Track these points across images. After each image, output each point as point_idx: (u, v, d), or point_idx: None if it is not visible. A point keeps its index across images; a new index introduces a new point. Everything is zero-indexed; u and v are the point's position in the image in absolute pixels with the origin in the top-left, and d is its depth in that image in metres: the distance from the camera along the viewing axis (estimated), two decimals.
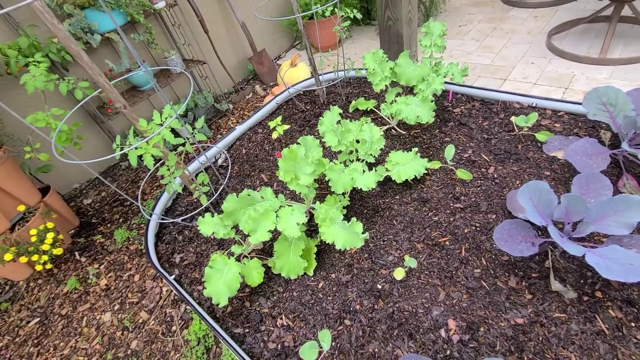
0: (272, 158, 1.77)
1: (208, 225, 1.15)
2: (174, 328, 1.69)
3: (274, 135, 1.75)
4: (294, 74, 3.12)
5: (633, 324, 0.87)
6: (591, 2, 3.47)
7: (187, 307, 1.75)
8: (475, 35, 3.46)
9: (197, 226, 1.16)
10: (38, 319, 1.89)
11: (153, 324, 1.73)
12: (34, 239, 1.95)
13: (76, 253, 2.21)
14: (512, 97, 1.62)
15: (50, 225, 2.02)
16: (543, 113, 1.53)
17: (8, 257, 1.83)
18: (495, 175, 1.33)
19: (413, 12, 2.70)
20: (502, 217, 1.19)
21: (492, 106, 1.65)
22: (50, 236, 1.98)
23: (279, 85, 3.41)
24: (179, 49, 3.04)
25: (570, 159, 1.15)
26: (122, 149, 1.08)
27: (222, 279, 1.08)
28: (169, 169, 1.20)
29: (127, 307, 1.84)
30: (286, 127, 1.78)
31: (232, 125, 3.18)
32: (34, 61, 1.60)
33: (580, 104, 1.41)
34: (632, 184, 1.15)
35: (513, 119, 1.50)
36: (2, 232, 1.96)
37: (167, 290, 1.87)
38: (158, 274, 1.95)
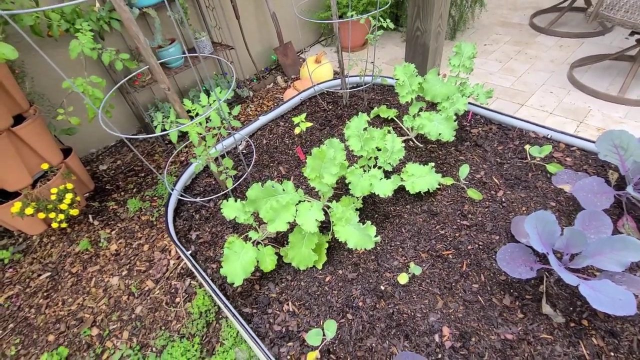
0: (291, 152, 1.85)
1: (231, 209, 1.23)
2: (177, 300, 1.78)
3: (296, 131, 1.82)
4: (318, 72, 3.17)
5: (612, 354, 0.95)
6: (617, 39, 3.50)
7: (192, 281, 1.84)
8: (499, 57, 3.51)
9: (221, 209, 1.23)
10: (49, 274, 1.98)
11: (158, 293, 1.82)
12: (53, 197, 2.03)
13: (90, 216, 2.29)
14: (529, 126, 1.69)
15: (69, 186, 2.10)
16: (556, 146, 1.59)
17: (29, 211, 1.91)
18: (504, 199, 1.40)
19: (442, 26, 2.75)
20: (505, 239, 1.26)
21: (508, 132, 1.72)
22: (69, 197, 2.06)
23: (301, 79, 3.46)
24: (209, 32, 3.10)
25: (576, 194, 1.22)
26: (163, 126, 1.15)
27: (239, 261, 1.16)
28: (205, 148, 1.27)
29: (135, 274, 1.93)
30: (309, 124, 1.85)
31: (250, 112, 3.24)
32: (79, 28, 1.66)
33: (593, 142, 1.48)
34: (631, 225, 1.22)
35: (527, 147, 1.57)
36: (25, 187, 2.04)
37: (174, 264, 1.95)
38: (167, 246, 2.04)
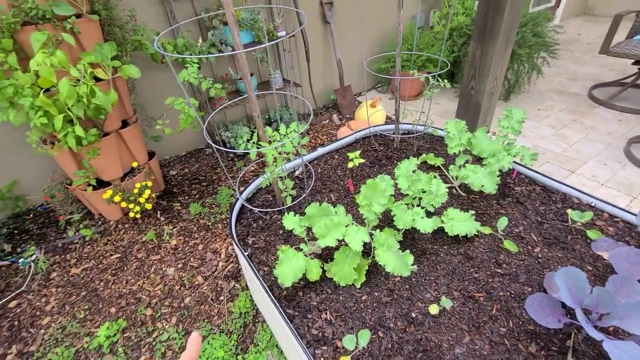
0: (342, 183, 2.06)
1: (290, 222, 1.44)
2: (221, 298, 1.98)
3: (350, 165, 2.04)
4: (373, 116, 3.45)
5: None
6: None
7: (236, 284, 2.04)
8: (552, 122, 3.56)
9: (282, 220, 1.45)
10: (119, 255, 2.30)
11: (206, 289, 2.04)
12: (135, 191, 2.40)
13: (158, 212, 2.64)
14: (574, 192, 1.76)
15: (149, 184, 2.47)
16: (600, 214, 1.64)
17: (117, 199, 2.28)
18: (540, 256, 1.47)
19: (497, 87, 2.92)
20: (537, 292, 1.33)
21: (552, 194, 1.80)
22: (147, 192, 2.42)
23: (355, 120, 3.76)
24: (281, 70, 3.55)
25: (612, 260, 1.27)
26: (246, 145, 1.43)
27: (290, 266, 1.35)
28: (275, 167, 1.53)
29: (188, 268, 2.18)
30: (362, 160, 2.06)
31: (305, 143, 3.56)
32: (190, 61, 2.08)
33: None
34: None
35: (569, 211, 1.64)
36: (115, 179, 2.44)
37: (222, 265, 2.18)
38: (219, 249, 2.28)
